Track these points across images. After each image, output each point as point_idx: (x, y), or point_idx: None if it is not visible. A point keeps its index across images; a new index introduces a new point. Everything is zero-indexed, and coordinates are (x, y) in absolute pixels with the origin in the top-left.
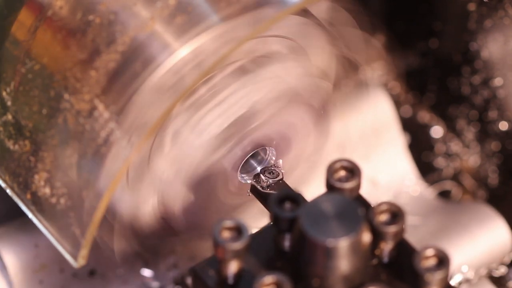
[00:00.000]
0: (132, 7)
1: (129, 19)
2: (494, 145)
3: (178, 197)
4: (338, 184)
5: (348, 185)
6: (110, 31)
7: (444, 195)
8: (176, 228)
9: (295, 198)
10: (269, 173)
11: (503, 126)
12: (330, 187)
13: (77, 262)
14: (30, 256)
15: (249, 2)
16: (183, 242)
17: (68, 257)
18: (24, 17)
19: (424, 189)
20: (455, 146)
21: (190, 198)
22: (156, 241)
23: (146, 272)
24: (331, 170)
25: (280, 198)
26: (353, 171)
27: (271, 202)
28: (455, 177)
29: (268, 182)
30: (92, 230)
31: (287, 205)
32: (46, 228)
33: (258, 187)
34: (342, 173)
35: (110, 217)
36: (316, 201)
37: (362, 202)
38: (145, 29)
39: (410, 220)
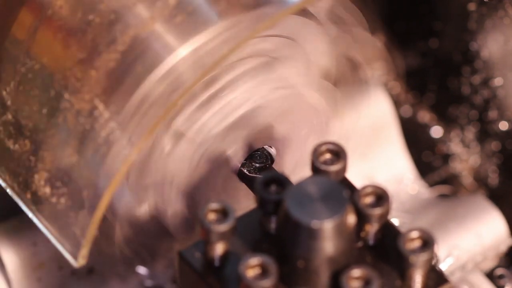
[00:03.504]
0: (132, 6)
1: (129, 18)
2: (494, 145)
3: (178, 197)
4: (324, 167)
5: (334, 167)
6: (110, 31)
7: (444, 195)
8: (176, 228)
9: (281, 181)
10: (256, 158)
11: (503, 126)
12: (316, 170)
13: (77, 261)
14: (29, 254)
15: (249, 2)
16: (182, 242)
17: (68, 256)
18: (24, 17)
19: (422, 187)
20: (455, 146)
21: (191, 198)
22: (155, 240)
23: (142, 270)
24: (316, 153)
25: (266, 181)
26: (338, 154)
27: (256, 185)
28: (455, 177)
29: (255, 166)
30: (92, 230)
31: (273, 187)
32: (46, 228)
33: (245, 171)
34: (328, 156)
35: (110, 216)
36: (301, 183)
37: (347, 184)
38: (145, 29)
39: (408, 218)
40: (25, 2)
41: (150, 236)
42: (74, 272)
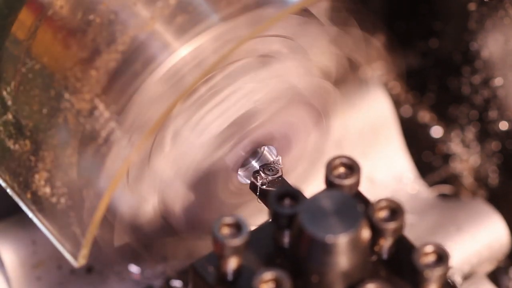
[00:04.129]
0: (133, 6)
1: (130, 18)
2: (494, 145)
3: (178, 196)
4: (338, 181)
5: (348, 181)
6: (111, 31)
7: (444, 195)
8: (176, 227)
9: (295, 195)
10: (268, 170)
11: (503, 126)
12: (330, 183)
13: (77, 261)
14: (28, 253)
15: (250, 2)
16: (182, 241)
17: (68, 256)
18: (25, 17)
19: (421, 186)
20: (455, 146)
21: (190, 197)
22: (156, 240)
23: (134, 269)
24: (330, 167)
25: (280, 195)
26: (352, 167)
27: (270, 199)
28: (455, 177)
29: (268, 179)
30: (93, 230)
31: (287, 201)
32: (47, 228)
33: (258, 184)
34: (342, 169)
35: (111, 216)
36: (315, 197)
37: (361, 198)
38: (146, 29)
39: (408, 218)
40: (26, 2)
41: (149, 236)
42: (73, 271)
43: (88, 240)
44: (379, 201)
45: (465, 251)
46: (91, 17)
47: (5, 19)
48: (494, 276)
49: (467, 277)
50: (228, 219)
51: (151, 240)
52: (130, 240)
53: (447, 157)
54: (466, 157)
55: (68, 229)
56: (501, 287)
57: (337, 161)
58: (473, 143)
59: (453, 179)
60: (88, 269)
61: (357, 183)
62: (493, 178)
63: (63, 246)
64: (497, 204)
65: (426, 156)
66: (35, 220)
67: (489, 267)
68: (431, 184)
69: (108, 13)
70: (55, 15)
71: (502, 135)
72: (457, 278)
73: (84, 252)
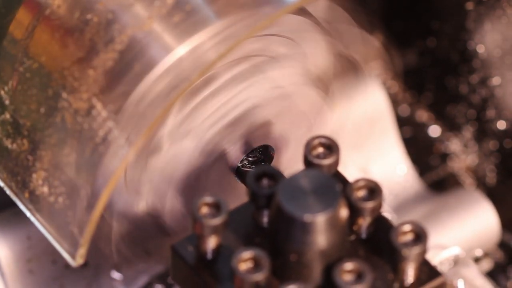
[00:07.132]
0: (130, 6)
1: (127, 18)
2: (492, 144)
3: (175, 197)
4: (316, 161)
5: (326, 161)
6: (108, 30)
7: (442, 193)
8: (173, 226)
9: (273, 175)
10: (250, 152)
11: (501, 125)
12: (308, 163)
13: (75, 261)
14: (23, 248)
15: (247, 1)
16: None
17: (66, 256)
18: (22, 16)
19: (415, 179)
20: (453, 145)
21: (188, 196)
22: (152, 238)
23: (116, 275)
24: (309, 147)
25: (258, 175)
26: (331, 147)
27: (248, 179)
28: (453, 176)
29: (249, 160)
30: (90, 229)
31: (265, 181)
32: (44, 227)
33: (239, 165)
34: (320, 149)
35: (108, 215)
36: (293, 177)
37: (340, 178)
38: (143, 28)
39: (400, 208)
40: (23, 1)
41: (147, 235)
42: (67, 265)
43: (86, 240)
44: (357, 180)
45: (456, 238)
46: (89, 16)
47: (2, 19)
48: (492, 275)
49: (456, 261)
50: (208, 199)
51: (148, 238)
52: (127, 238)
53: (444, 157)
54: (464, 156)
55: (66, 228)
56: (499, 287)
57: (316, 141)
58: (470, 143)
59: (451, 179)
60: (84, 264)
61: (336, 163)
62: (491, 178)
63: (61, 245)
64: (495, 203)
65: (424, 156)
66: (33, 219)
67: (483, 259)
68: (429, 183)
69: (106, 12)
70: (53, 15)
71: (500, 134)
72: (446, 262)
73: (82, 251)
